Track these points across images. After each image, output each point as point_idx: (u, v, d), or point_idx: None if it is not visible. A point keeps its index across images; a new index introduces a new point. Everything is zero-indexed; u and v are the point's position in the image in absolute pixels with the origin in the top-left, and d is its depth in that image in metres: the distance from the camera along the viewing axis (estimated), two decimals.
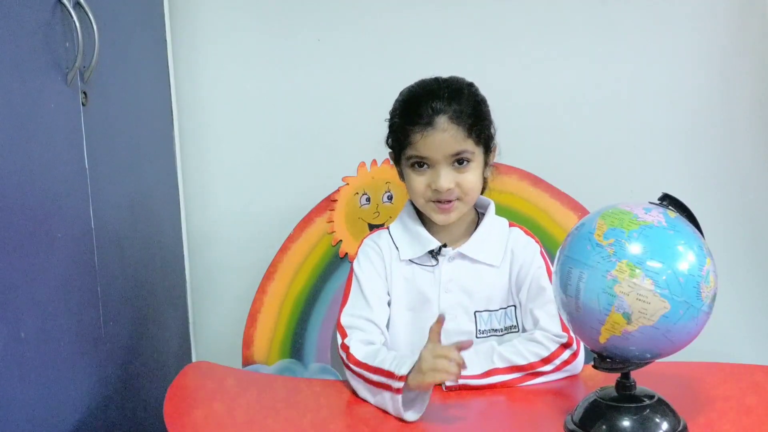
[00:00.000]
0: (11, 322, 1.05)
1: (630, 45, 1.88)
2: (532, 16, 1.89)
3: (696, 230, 1.01)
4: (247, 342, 1.79)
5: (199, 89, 1.93)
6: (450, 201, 1.32)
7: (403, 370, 1.15)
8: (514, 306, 1.38)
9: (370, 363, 1.23)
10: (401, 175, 1.40)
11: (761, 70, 1.86)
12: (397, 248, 1.39)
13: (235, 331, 1.84)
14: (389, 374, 1.17)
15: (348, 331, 1.32)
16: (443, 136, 1.29)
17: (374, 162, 1.80)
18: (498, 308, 1.37)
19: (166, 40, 1.82)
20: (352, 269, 1.41)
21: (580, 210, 1.76)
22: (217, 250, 1.97)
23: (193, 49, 1.91)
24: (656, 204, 1.03)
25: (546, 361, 1.27)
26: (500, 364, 1.27)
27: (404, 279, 1.38)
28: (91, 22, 1.28)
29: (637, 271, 0.94)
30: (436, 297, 1.36)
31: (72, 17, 1.23)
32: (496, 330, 1.37)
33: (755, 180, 1.89)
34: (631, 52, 1.88)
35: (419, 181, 1.33)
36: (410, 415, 1.15)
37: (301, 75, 1.91)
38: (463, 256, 1.37)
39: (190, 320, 1.93)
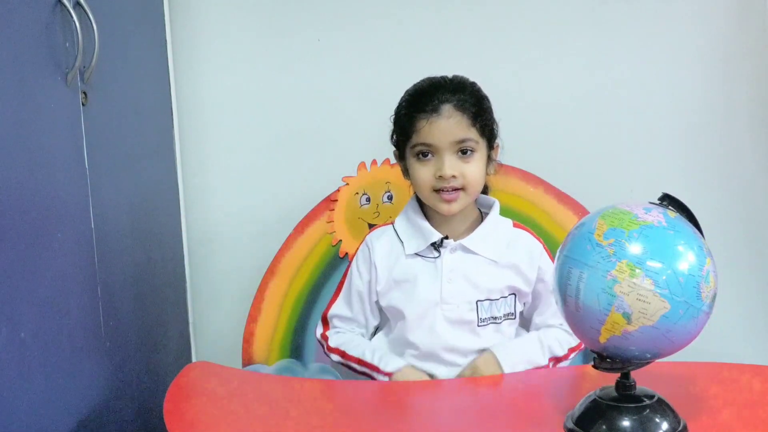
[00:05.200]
0: (11, 322, 1.04)
1: (630, 45, 1.88)
2: (532, 16, 1.89)
3: (696, 230, 1.01)
4: (247, 342, 1.78)
5: (199, 89, 1.93)
6: (455, 190, 1.34)
7: (389, 368, 1.35)
8: (515, 294, 1.41)
9: (348, 352, 1.41)
10: (405, 172, 1.43)
11: (761, 70, 1.86)
12: (402, 243, 1.42)
13: (235, 331, 1.84)
14: (373, 367, 1.37)
15: (330, 325, 1.48)
16: (448, 122, 1.33)
17: (374, 162, 1.80)
18: (499, 297, 1.40)
19: (166, 40, 1.82)
20: (350, 264, 1.48)
21: (580, 210, 1.76)
22: (217, 250, 1.97)
23: (193, 49, 1.91)
24: (656, 204, 1.03)
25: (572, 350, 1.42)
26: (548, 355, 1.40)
27: (409, 269, 1.41)
28: (91, 22, 1.28)
29: (637, 271, 0.94)
30: (438, 288, 1.38)
31: (72, 17, 1.23)
32: (495, 318, 1.40)
33: (755, 180, 1.89)
34: (632, 52, 1.88)
35: (424, 171, 1.36)
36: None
37: (301, 75, 1.91)
38: (464, 248, 1.39)
39: (190, 320, 1.93)
